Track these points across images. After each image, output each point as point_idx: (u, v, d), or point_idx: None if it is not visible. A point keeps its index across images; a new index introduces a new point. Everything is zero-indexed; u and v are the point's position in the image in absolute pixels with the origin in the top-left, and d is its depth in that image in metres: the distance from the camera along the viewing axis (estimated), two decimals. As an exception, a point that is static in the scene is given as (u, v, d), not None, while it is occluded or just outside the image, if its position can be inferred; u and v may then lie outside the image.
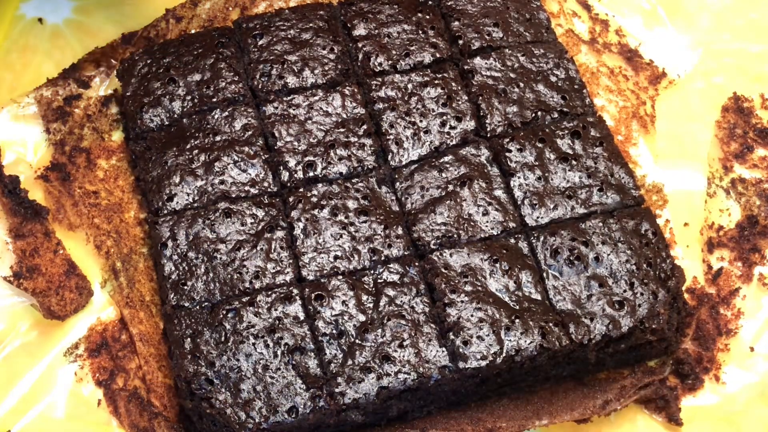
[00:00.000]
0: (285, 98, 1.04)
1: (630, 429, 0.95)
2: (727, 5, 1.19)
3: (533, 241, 0.96)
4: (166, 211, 0.98)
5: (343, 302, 0.92)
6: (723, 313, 0.99)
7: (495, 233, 0.97)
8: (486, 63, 1.07)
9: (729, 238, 1.03)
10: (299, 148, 1.01)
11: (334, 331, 0.91)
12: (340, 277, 0.94)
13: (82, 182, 1.05)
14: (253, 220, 0.97)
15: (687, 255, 1.02)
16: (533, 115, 1.03)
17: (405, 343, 0.90)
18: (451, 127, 1.03)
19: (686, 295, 0.99)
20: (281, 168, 1.00)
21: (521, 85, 1.05)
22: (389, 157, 1.01)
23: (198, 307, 0.93)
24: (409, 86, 1.05)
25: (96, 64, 1.12)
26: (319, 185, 0.99)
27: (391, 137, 1.02)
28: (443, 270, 0.94)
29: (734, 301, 0.99)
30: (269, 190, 1.00)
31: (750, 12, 1.18)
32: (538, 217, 0.97)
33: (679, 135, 1.10)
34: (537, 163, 1.00)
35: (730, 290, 1.00)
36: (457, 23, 1.10)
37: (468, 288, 0.93)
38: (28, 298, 0.99)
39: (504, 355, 0.90)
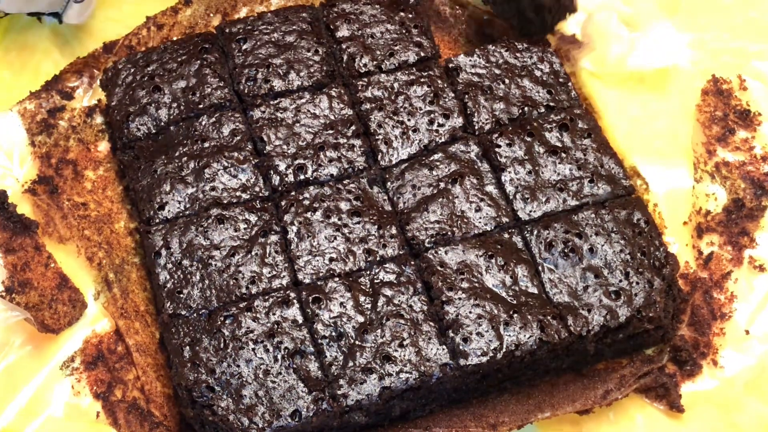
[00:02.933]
0: (272, 102, 1.04)
1: (631, 418, 0.96)
2: (727, 4, 1.19)
3: (527, 235, 0.96)
4: (158, 220, 0.98)
5: (341, 304, 0.92)
6: (716, 297, 1.00)
7: (488, 229, 0.97)
8: (470, 60, 1.07)
9: (717, 222, 1.04)
10: (288, 151, 1.01)
11: (334, 333, 0.91)
12: (337, 279, 0.94)
13: (71, 194, 1.05)
14: (246, 226, 0.97)
15: (678, 241, 1.03)
16: (520, 111, 1.04)
17: (405, 343, 0.91)
18: (439, 125, 1.03)
19: (679, 281, 0.99)
20: (272, 172, 1.00)
21: (506, 81, 1.06)
22: (379, 156, 1.01)
23: (195, 314, 0.93)
24: (395, 85, 1.05)
25: (78, 75, 1.11)
26: (311, 188, 0.99)
27: (380, 137, 1.02)
28: (439, 268, 0.94)
29: (726, 285, 1.00)
30: (261, 194, 0.99)
31: (750, 11, 1.18)
32: (530, 211, 0.98)
33: (679, 133, 1.10)
34: (527, 157, 1.00)
35: (722, 274, 1.01)
36: None
37: (465, 285, 0.93)
38: (21, 313, 0.98)
39: (504, 350, 0.90)
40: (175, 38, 1.13)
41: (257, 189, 1.00)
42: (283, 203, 0.98)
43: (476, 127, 1.03)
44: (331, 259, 0.95)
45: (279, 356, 0.90)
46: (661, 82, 1.13)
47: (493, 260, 0.94)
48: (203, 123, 1.03)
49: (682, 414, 0.95)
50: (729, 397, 0.96)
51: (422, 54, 1.08)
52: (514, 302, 0.92)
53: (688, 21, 1.17)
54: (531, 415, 0.94)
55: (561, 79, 1.06)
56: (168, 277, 0.95)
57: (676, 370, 0.97)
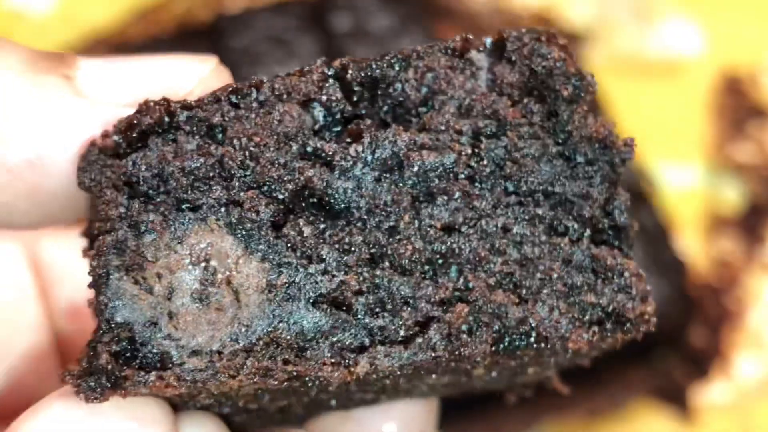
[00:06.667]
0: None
1: (639, 422, 0.95)
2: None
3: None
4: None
5: None
6: (728, 300, 0.99)
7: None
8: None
9: (729, 223, 1.03)
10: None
11: None
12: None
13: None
14: None
15: (689, 242, 1.02)
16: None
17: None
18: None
19: (690, 284, 0.99)
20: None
21: None
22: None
23: None
24: None
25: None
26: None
27: None
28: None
29: (738, 287, 0.99)
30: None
31: (765, 1, 1.17)
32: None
33: (691, 131, 1.09)
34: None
35: (734, 277, 1.00)
36: None
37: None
38: None
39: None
40: (167, 32, 1.12)
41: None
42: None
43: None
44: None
45: None
46: (672, 76, 1.12)
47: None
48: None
49: (692, 418, 0.94)
50: (739, 400, 0.95)
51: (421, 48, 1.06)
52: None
53: (701, 12, 1.15)
54: (538, 418, 0.93)
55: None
56: None
57: (686, 374, 0.96)
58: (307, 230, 0.39)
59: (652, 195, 1.02)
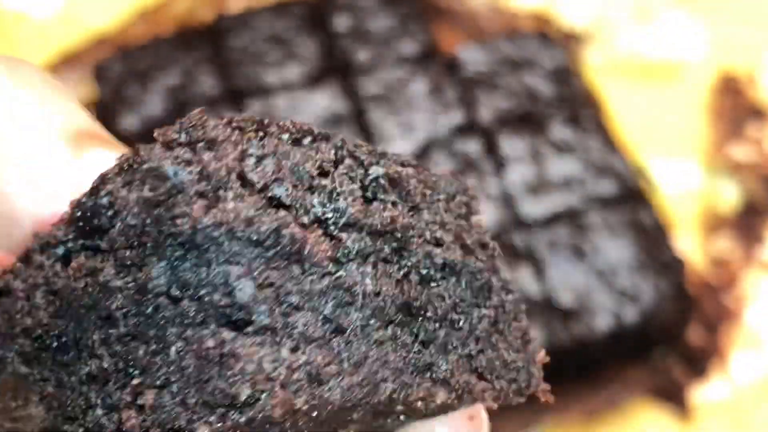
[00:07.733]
0: (267, 98, 1.03)
1: (637, 421, 0.95)
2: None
3: (530, 235, 0.95)
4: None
5: None
6: (726, 299, 0.99)
7: (490, 230, 0.95)
8: (472, 54, 1.06)
9: (727, 222, 1.03)
10: (284, 149, 0.99)
11: None
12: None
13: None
14: None
15: (687, 241, 1.02)
16: (524, 106, 1.02)
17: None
18: (440, 121, 1.01)
19: (688, 283, 0.98)
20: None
21: (510, 75, 1.04)
22: (378, 153, 1.00)
23: None
24: (394, 81, 1.03)
25: (67, 70, 1.10)
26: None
27: (379, 133, 1.01)
28: (439, 270, 0.92)
29: (736, 286, 0.99)
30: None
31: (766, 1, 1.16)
32: (534, 211, 0.96)
33: (690, 130, 1.09)
34: (531, 155, 0.99)
35: (732, 276, 1.00)
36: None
37: (466, 288, 0.91)
38: None
39: (508, 355, 0.88)
40: (168, 32, 1.11)
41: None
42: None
43: (478, 123, 1.01)
44: None
45: None
46: (671, 75, 1.11)
47: (495, 263, 0.92)
48: (196, 120, 1.01)
49: (689, 418, 0.94)
50: (738, 400, 0.95)
51: (422, 48, 1.06)
52: (518, 306, 0.91)
53: (700, 11, 1.15)
54: (534, 418, 0.93)
55: (567, 74, 1.04)
56: None
57: (684, 373, 0.96)
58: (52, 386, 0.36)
59: (650, 194, 1.02)
